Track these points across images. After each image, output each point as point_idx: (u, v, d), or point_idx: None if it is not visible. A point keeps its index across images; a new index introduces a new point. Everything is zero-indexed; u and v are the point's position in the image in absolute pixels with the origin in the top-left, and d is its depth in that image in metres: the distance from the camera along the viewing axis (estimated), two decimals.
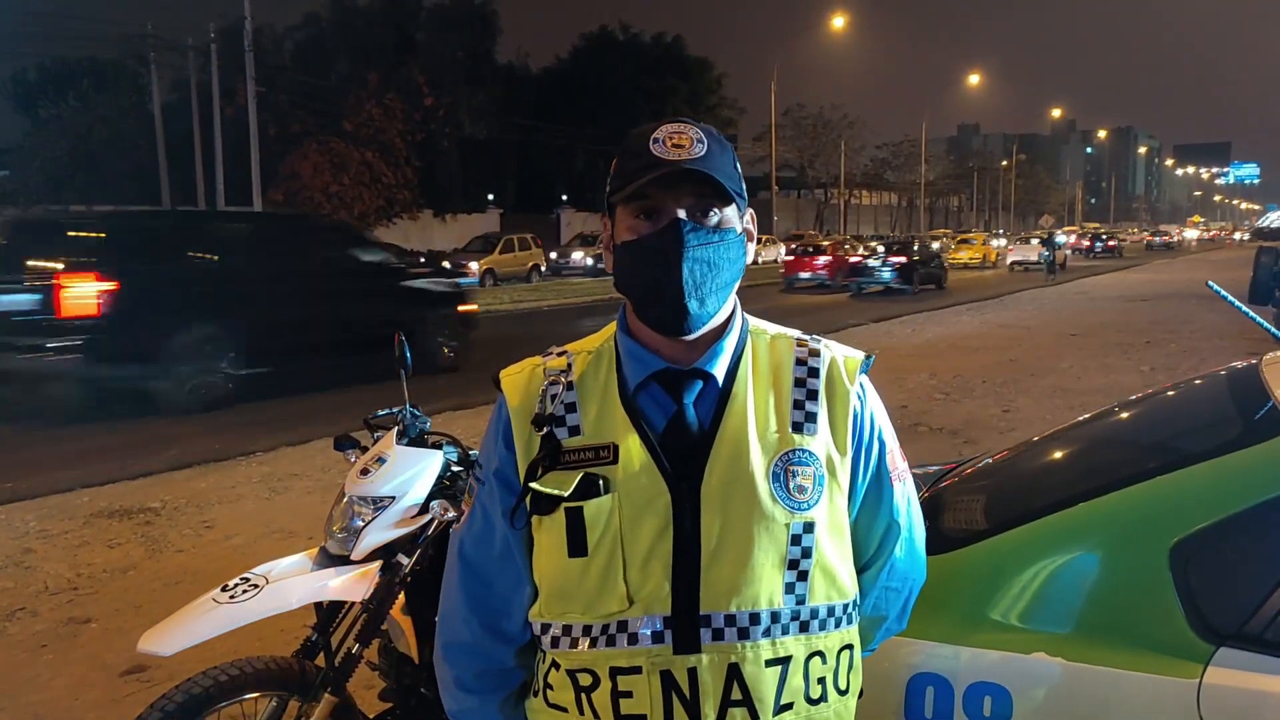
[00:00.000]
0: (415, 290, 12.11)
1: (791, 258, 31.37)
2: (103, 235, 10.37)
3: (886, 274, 27.75)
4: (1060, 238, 39.81)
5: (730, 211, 1.36)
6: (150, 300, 9.59)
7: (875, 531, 1.48)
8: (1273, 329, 2.29)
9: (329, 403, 10.52)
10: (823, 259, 30.17)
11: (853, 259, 29.83)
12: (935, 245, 36.21)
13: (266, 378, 10.12)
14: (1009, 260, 40.39)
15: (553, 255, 39.63)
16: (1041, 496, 2.01)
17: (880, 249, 30.59)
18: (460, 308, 12.64)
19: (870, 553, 1.49)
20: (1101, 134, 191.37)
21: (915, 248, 30.49)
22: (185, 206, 34.01)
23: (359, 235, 15.14)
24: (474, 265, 32.45)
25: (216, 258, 10.81)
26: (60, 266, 9.34)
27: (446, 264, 23.66)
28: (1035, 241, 39.85)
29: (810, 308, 23.17)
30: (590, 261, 37.85)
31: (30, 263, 9.61)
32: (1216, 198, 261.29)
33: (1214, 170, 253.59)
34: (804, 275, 29.89)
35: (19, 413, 9.69)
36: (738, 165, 1.39)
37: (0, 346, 9.29)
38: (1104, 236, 58.20)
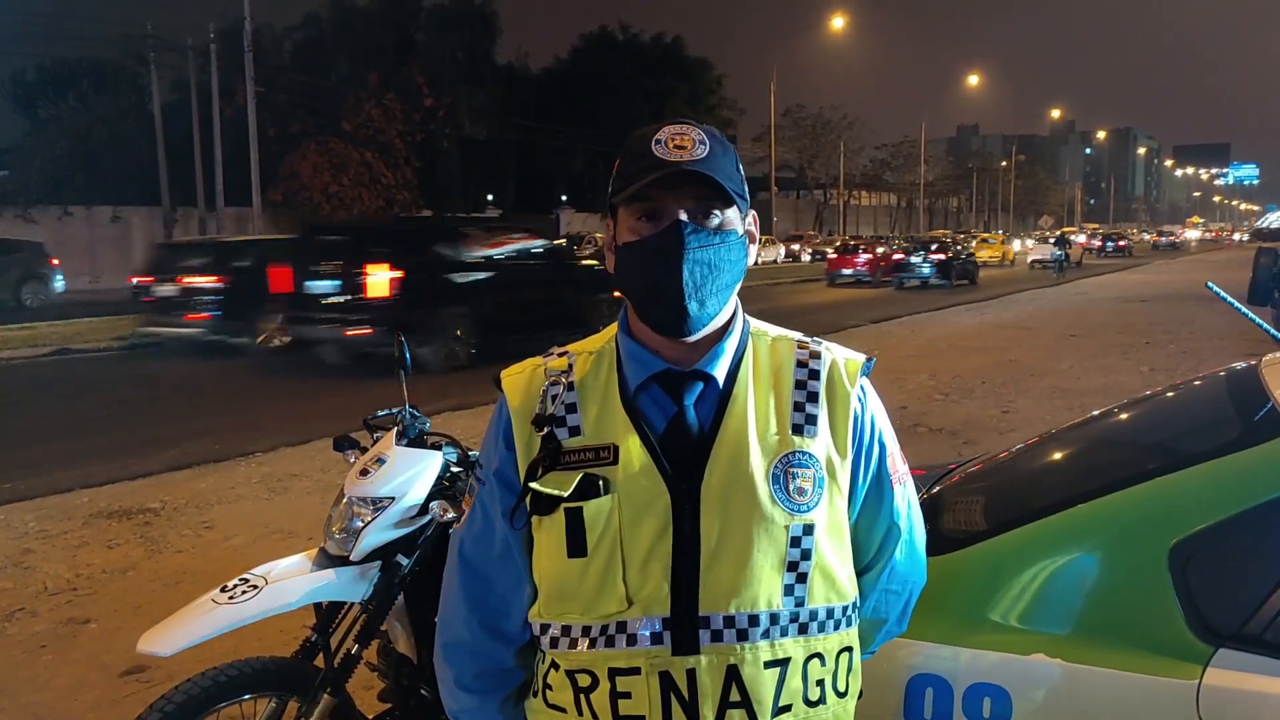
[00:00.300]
0: (585, 278, 14.67)
1: (835, 255, 34.50)
2: (390, 235, 13.50)
3: (926, 270, 30.08)
4: (1079, 237, 42.98)
5: (732, 213, 1.36)
6: (421, 285, 12.13)
7: (875, 534, 1.48)
8: (1272, 330, 2.29)
9: (328, 404, 10.53)
10: (863, 257, 33.04)
11: (895, 256, 31.90)
12: (971, 244, 39.14)
13: (489, 346, 12.21)
14: (1030, 259, 42.36)
15: None
16: (1041, 497, 2.01)
17: (920, 247, 32.89)
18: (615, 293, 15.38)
19: (870, 555, 1.49)
20: (1101, 135, 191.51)
21: (952, 246, 33.37)
22: (184, 207, 34.06)
23: (550, 236, 18.44)
24: None
25: (461, 254, 13.35)
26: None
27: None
28: (1051, 241, 42.51)
29: (852, 300, 25.00)
30: None
31: (328, 259, 12.45)
32: (1216, 198, 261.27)
33: (1213, 171, 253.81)
34: (846, 272, 32.50)
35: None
36: (740, 167, 1.39)
37: (312, 321, 12.34)
38: (1115, 237, 60.55)
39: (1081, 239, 50.67)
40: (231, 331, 13.99)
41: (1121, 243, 57.79)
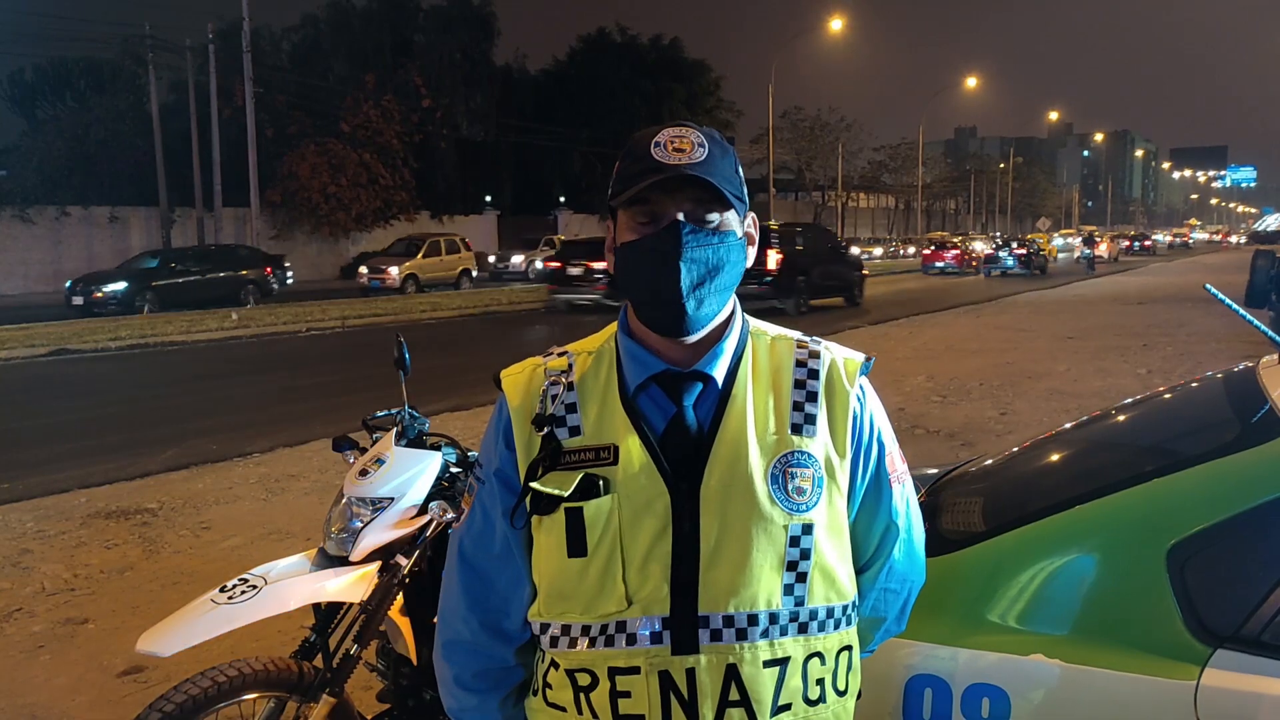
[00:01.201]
0: (854, 261, 25.64)
1: (929, 251, 42.80)
2: (774, 233, 20.92)
3: (1010, 261, 37.81)
4: (1101, 242, 51.16)
5: (730, 215, 1.37)
6: (790, 263, 20.74)
7: (874, 533, 1.48)
8: (1270, 332, 2.30)
9: (327, 404, 10.54)
10: (952, 252, 41.69)
11: (987, 251, 40.62)
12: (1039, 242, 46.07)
13: (805, 303, 21.24)
14: (1075, 256, 48.46)
15: (490, 259, 37.57)
16: (1039, 499, 2.01)
17: (1006, 244, 41.15)
18: (865, 270, 25.75)
19: (869, 554, 1.49)
20: (1098, 137, 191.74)
21: (1030, 244, 40.80)
22: (182, 207, 34.02)
23: (832, 233, 30.35)
24: (393, 271, 29.66)
25: (800, 244, 22.03)
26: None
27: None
28: (1078, 240, 51.13)
29: (951, 285, 32.16)
30: (539, 265, 33.78)
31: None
32: (1213, 201, 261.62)
33: (1211, 173, 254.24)
34: (938, 264, 40.65)
35: None
36: (739, 169, 1.39)
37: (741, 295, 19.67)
38: (1140, 238, 71.55)
39: (1113, 241, 58.05)
40: (615, 298, 20.18)
41: (1146, 243, 69.10)
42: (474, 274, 33.14)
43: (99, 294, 23.11)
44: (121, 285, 23.45)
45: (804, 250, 21.66)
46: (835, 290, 23.00)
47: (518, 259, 37.25)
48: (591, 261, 21.27)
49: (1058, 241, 58.34)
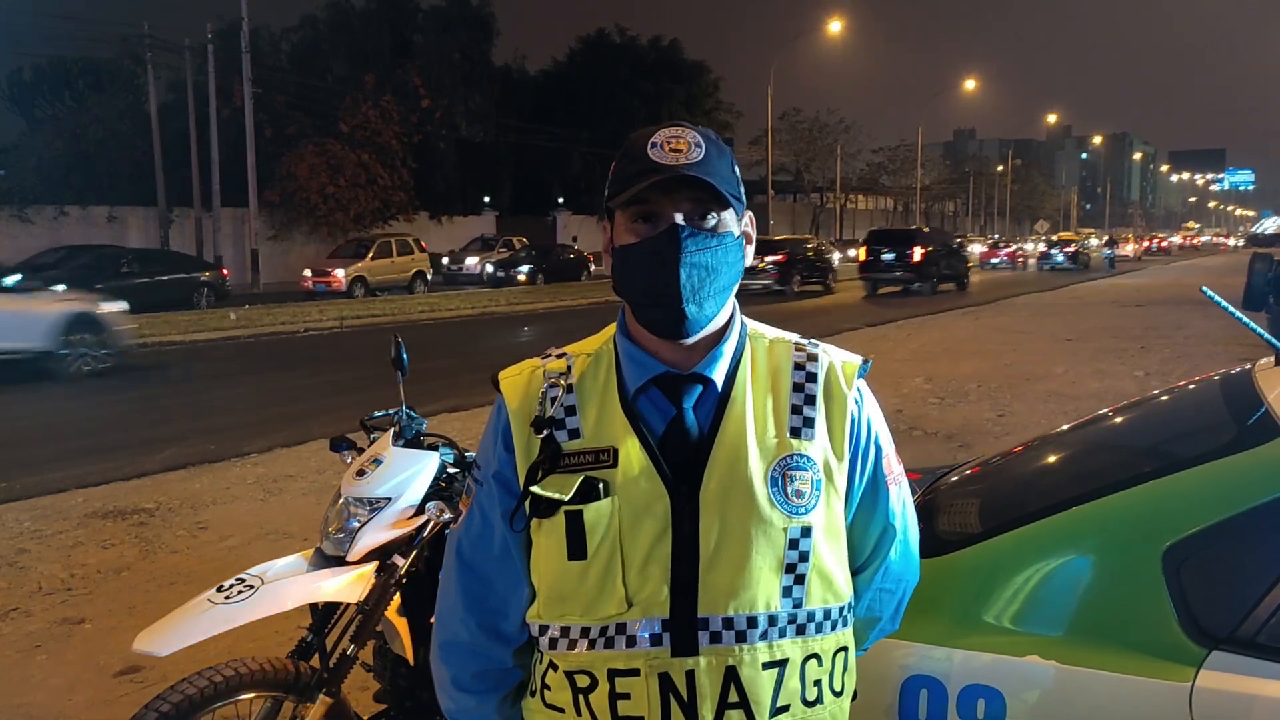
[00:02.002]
0: (963, 255, 32.48)
1: (985, 249, 50.48)
2: (919, 235, 30.01)
3: (1060, 258, 45.40)
4: (1129, 242, 61.16)
5: (728, 215, 1.37)
6: (929, 259, 28.31)
7: (871, 534, 1.48)
8: (1266, 335, 2.30)
9: (324, 404, 10.54)
10: (1006, 250, 50.37)
11: (1041, 249, 49.22)
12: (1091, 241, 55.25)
13: (935, 287, 28.17)
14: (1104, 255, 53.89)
15: (444, 260, 35.76)
16: (1035, 500, 2.02)
17: (1057, 243, 49.48)
18: (970, 264, 33.92)
19: (865, 555, 1.50)
20: (1097, 140, 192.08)
21: (1078, 243, 49.31)
22: (180, 207, 33.99)
23: (949, 234, 38.49)
24: (339, 273, 28.23)
25: (932, 244, 29.19)
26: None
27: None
28: (1097, 242, 57.58)
29: (1010, 278, 38.20)
30: (490, 269, 33.84)
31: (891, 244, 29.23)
32: (1211, 204, 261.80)
33: (1209, 176, 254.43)
34: (994, 261, 48.33)
35: None
36: (736, 169, 1.39)
37: (881, 273, 28.75)
38: (1158, 239, 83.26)
39: (1138, 243, 68.99)
40: (786, 284, 27.71)
41: (1164, 244, 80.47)
42: (429, 276, 31.51)
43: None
44: (60, 288, 21.69)
45: (933, 248, 29.17)
46: (951, 278, 30.04)
47: (472, 261, 35.28)
48: (773, 255, 27.91)
49: (1092, 242, 63.96)
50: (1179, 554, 1.64)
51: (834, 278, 31.11)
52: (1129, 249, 57.54)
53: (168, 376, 13.44)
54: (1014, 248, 51.29)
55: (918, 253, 27.85)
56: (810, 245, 32.19)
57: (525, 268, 34.44)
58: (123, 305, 13.93)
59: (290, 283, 31.40)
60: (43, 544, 5.78)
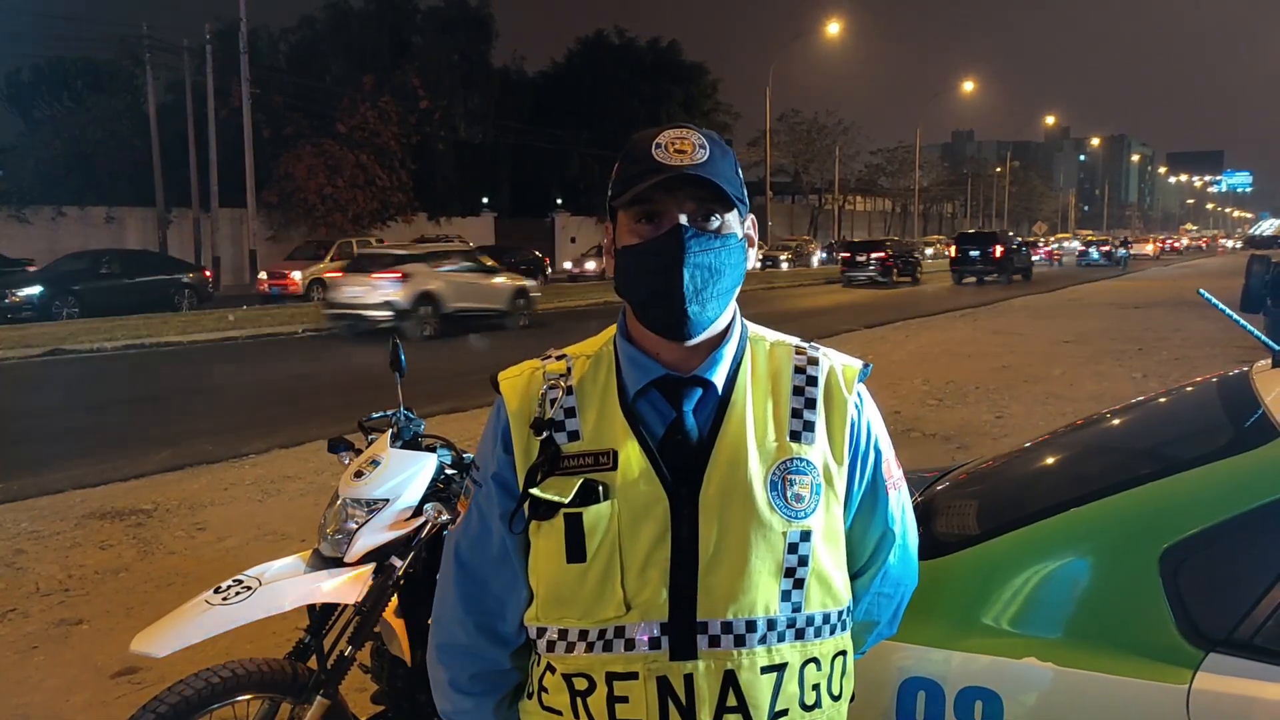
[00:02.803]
0: (1026, 252, 40.24)
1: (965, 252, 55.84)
2: (999, 236, 37.33)
3: (1096, 255, 52.13)
4: (1148, 243, 69.35)
5: (731, 217, 1.37)
6: (1006, 255, 35.46)
7: (870, 538, 1.48)
8: (1263, 337, 2.31)
9: (323, 405, 10.53)
10: (1045, 249, 55.10)
11: (1080, 248, 56.74)
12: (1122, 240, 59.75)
13: (1010, 278, 35.44)
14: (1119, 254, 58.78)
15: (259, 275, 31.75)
16: (1033, 502, 2.02)
17: (1096, 242, 56.36)
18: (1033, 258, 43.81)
19: (864, 559, 1.50)
20: (1095, 141, 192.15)
21: (1113, 243, 55.32)
22: (178, 207, 33.97)
23: (1015, 235, 45.70)
24: (295, 275, 27.05)
25: (1011, 242, 37.52)
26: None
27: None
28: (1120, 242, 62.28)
29: (1052, 273, 43.15)
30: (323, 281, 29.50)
31: (977, 244, 36.65)
32: (1209, 205, 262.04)
33: (1207, 178, 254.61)
34: (1035, 258, 47.85)
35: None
36: (739, 171, 1.39)
37: (968, 267, 35.69)
38: (1169, 240, 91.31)
39: (1157, 244, 76.81)
40: (887, 276, 33.94)
41: (1177, 245, 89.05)
42: None
43: (14, 297, 20.98)
44: (37, 289, 21.54)
45: (1008, 247, 36.01)
46: (1020, 270, 37.32)
47: (297, 275, 28.37)
48: (877, 252, 35.33)
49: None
50: (1176, 556, 1.64)
51: (920, 271, 38.74)
52: (1149, 248, 68.49)
53: (164, 376, 13.43)
54: (1053, 246, 58.15)
55: (999, 250, 35.29)
56: (905, 246, 42.04)
57: None
58: None
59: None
60: (40, 545, 5.77)
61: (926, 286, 34.72)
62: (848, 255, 36.68)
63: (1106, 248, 53.05)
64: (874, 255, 35.48)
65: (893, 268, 35.38)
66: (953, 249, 37.75)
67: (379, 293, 17.21)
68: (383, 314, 17.03)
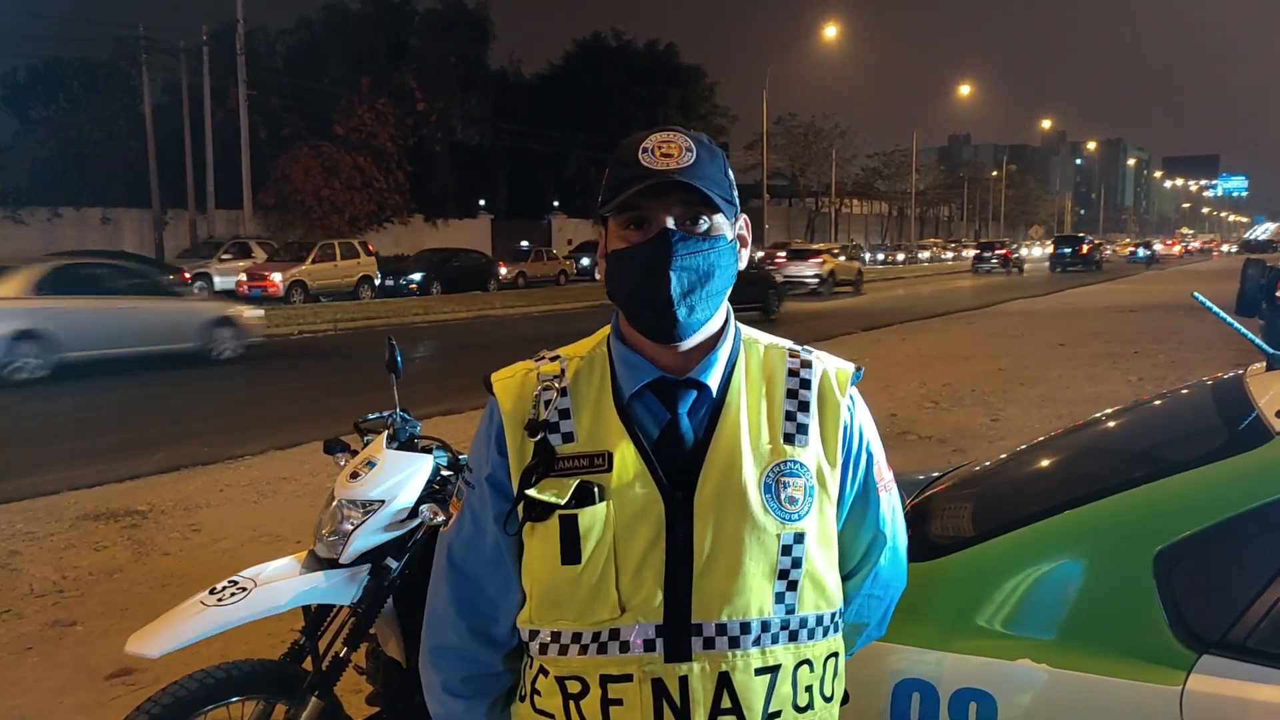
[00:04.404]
0: (1098, 248, 53.93)
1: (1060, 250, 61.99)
2: (1081, 238, 53.78)
3: (1142, 254, 61.65)
4: (1156, 245, 75.19)
5: (720, 219, 1.37)
6: (1091, 251, 49.91)
7: (861, 540, 1.49)
8: (1257, 340, 2.31)
9: (318, 406, 10.52)
10: (1086, 247, 58.56)
11: (1130, 248, 67.78)
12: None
13: (1097, 268, 48.59)
14: (1140, 255, 66.99)
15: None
16: (1027, 504, 2.02)
17: (1142, 243, 67.67)
18: (1104, 254, 56.55)
19: (855, 561, 1.50)
20: (1091, 145, 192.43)
21: (1151, 244, 68.73)
22: (175, 209, 33.95)
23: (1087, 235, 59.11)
24: (276, 277, 26.39)
25: (1088, 243, 51.98)
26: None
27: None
28: (1142, 244, 70.72)
29: (1064, 279, 41.91)
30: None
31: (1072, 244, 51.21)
32: (1205, 209, 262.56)
33: (1202, 182, 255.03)
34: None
35: None
36: (729, 172, 1.39)
37: (1060, 264, 49.23)
38: (1193, 242, 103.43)
39: (1182, 245, 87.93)
40: (1006, 267, 48.30)
41: (1203, 247, 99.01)
42: (376, 281, 29.52)
43: None
44: None
45: (1091, 245, 49.51)
46: (1095, 263, 49.13)
47: (277, 277, 26.99)
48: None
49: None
50: (1170, 558, 1.65)
51: (1022, 264, 51.67)
52: (1176, 249, 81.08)
53: (159, 377, 13.40)
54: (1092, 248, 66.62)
55: (1085, 248, 49.37)
56: (1014, 246, 57.08)
57: (417, 275, 30.99)
58: None
59: None
60: (34, 546, 5.76)
61: (1029, 276, 44.98)
62: (979, 251, 52.15)
63: (1148, 250, 64.43)
64: (998, 251, 50.74)
65: (1011, 260, 50.15)
66: (1051, 247, 53.92)
67: None
68: None
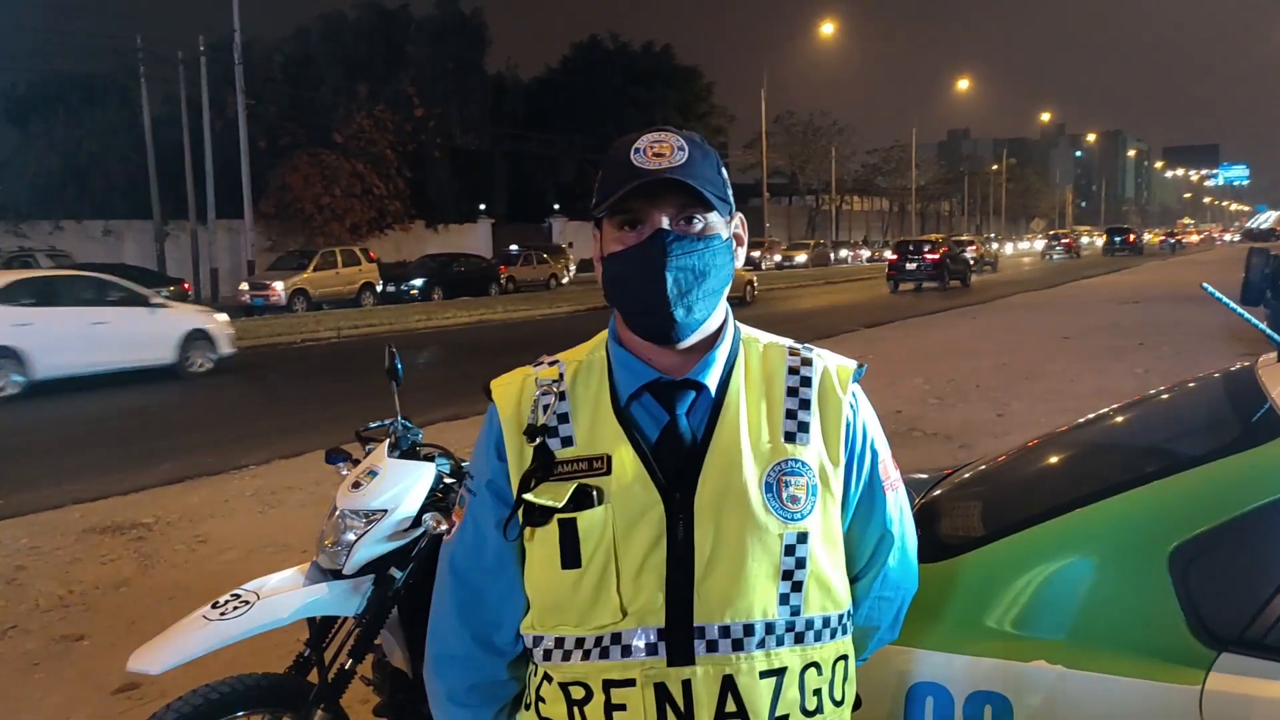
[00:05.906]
0: (1141, 236, 69.19)
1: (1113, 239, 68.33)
2: (1129, 228, 69.35)
3: (1171, 243, 70.18)
4: (1194, 234, 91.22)
5: (714, 218, 1.36)
6: (1136, 239, 65.33)
7: (868, 541, 1.47)
8: (1269, 331, 2.28)
9: (321, 415, 10.51)
10: (1063, 240, 64.70)
11: (1161, 238, 76.94)
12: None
13: (1140, 251, 61.27)
14: (1166, 244, 75.39)
15: (243, 286, 28.96)
16: (1038, 502, 1.99)
17: (1171, 233, 79.20)
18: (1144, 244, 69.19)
19: (863, 562, 1.48)
20: (1091, 137, 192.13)
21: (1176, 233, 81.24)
22: (175, 220, 33.96)
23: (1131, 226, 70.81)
24: (278, 286, 26.52)
25: (1134, 234, 66.10)
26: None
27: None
28: (1167, 232, 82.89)
29: (1080, 262, 50.66)
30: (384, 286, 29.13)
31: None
32: (1206, 199, 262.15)
33: (1203, 172, 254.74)
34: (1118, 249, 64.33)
35: None
36: (723, 170, 1.38)
37: (1113, 250, 61.68)
38: (1215, 232, 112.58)
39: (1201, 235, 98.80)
40: (1068, 252, 60.34)
41: (1205, 236, 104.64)
42: (378, 288, 29.49)
43: None
44: None
45: (1136, 234, 63.16)
46: (1138, 250, 59.42)
47: (279, 285, 27.00)
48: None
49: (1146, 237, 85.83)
50: (1186, 555, 1.62)
51: (1082, 249, 63.03)
52: (1195, 238, 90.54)
53: (162, 388, 13.40)
54: (1072, 239, 70.58)
55: (1132, 237, 61.75)
56: (1079, 235, 71.70)
57: (418, 281, 30.72)
58: None
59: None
60: (40, 560, 5.74)
61: (1084, 259, 54.72)
62: (1048, 240, 64.97)
63: (1175, 240, 74.00)
64: (1064, 240, 63.20)
65: (1072, 247, 61.45)
66: (1103, 237, 66.54)
67: None
68: None
